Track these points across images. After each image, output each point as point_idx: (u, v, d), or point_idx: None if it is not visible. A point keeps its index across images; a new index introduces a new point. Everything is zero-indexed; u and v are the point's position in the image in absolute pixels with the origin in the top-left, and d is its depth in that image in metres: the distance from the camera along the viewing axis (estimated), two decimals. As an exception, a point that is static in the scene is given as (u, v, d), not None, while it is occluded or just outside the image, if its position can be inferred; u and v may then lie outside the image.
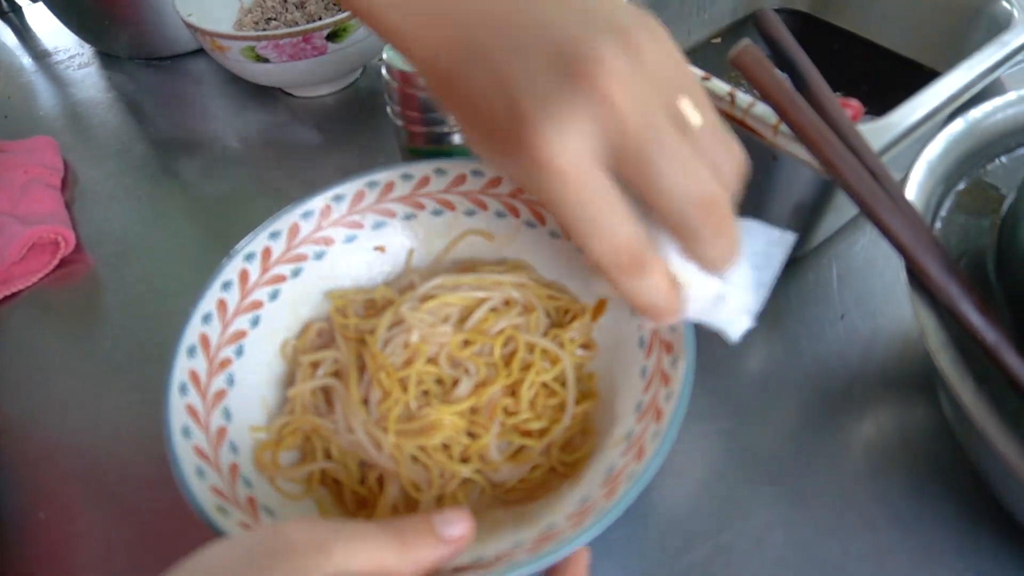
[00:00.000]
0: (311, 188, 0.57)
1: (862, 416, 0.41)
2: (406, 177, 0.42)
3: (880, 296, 0.46)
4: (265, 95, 0.68)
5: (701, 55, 0.41)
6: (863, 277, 0.47)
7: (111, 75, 0.73)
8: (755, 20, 0.36)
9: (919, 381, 0.42)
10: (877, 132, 0.37)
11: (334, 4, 0.67)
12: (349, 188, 0.42)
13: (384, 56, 0.46)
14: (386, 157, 0.60)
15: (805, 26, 0.58)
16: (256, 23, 0.66)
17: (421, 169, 0.42)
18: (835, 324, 0.45)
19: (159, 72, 0.73)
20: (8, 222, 0.54)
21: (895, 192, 0.33)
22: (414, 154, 0.50)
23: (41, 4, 0.80)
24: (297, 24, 0.64)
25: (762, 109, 0.38)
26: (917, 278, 0.33)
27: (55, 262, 0.54)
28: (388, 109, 0.49)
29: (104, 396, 0.46)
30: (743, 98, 0.39)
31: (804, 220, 0.44)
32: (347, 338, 0.39)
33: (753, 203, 0.44)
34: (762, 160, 0.41)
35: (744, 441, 0.40)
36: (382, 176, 0.42)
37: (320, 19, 0.63)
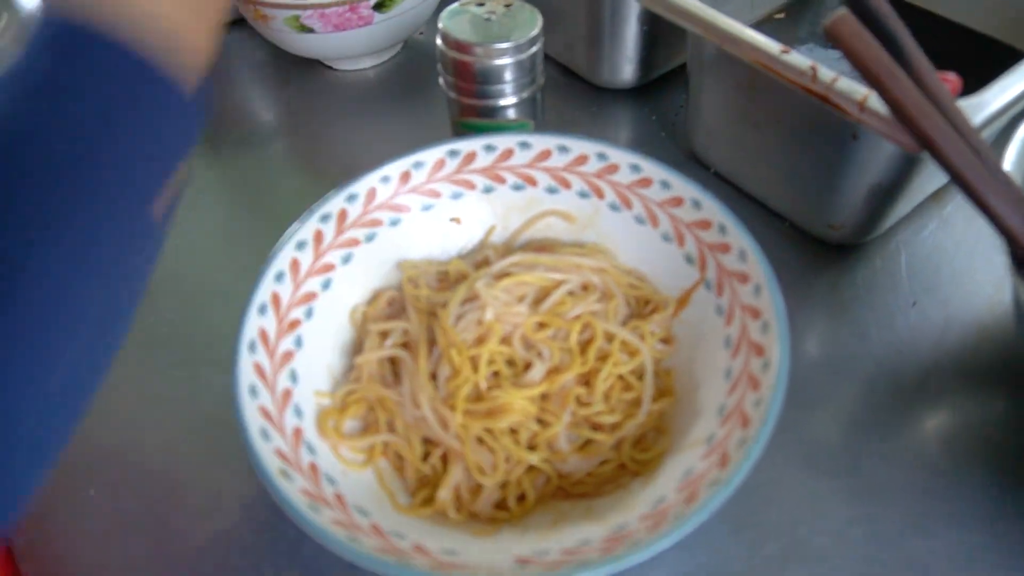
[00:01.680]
0: (352, 164, 0.56)
1: (939, 408, 0.39)
2: (489, 148, 0.41)
3: (951, 283, 0.44)
4: (305, 68, 0.66)
5: (763, 30, 0.39)
6: (933, 264, 0.45)
7: None
8: None
9: (999, 373, 0.40)
10: (974, 109, 0.34)
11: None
12: (429, 155, 0.41)
13: (440, 25, 0.44)
14: (432, 132, 0.57)
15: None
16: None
17: (504, 141, 0.41)
18: (906, 312, 0.43)
19: None
20: None
21: (998, 172, 0.31)
22: (466, 128, 0.48)
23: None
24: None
25: (846, 84, 0.36)
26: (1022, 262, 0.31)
27: None
28: (440, 80, 0.47)
29: (147, 371, 0.45)
30: (826, 72, 0.36)
31: (877, 202, 0.42)
32: (418, 309, 0.38)
33: (823, 184, 0.42)
34: (839, 139, 0.39)
35: (813, 432, 0.38)
36: (464, 145, 0.41)
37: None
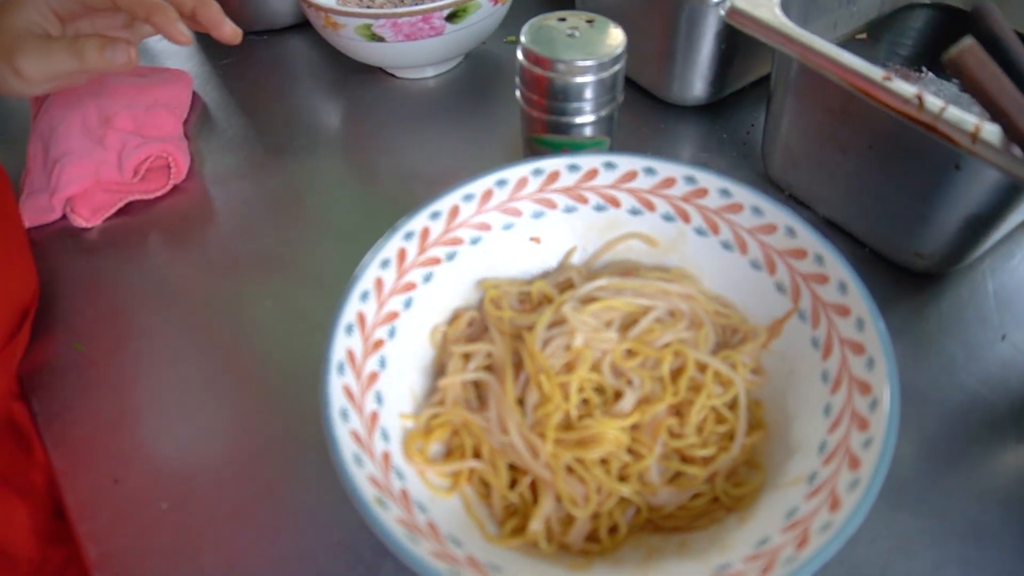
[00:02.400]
0: (412, 174, 0.55)
1: (1033, 447, 0.38)
2: (572, 168, 0.40)
3: (1043, 316, 0.43)
4: (365, 75, 0.65)
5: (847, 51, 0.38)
6: (1022, 295, 0.44)
7: (205, 48, 0.72)
8: (973, 14, 0.33)
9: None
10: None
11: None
12: (513, 173, 0.40)
13: (522, 39, 0.43)
14: (495, 143, 0.57)
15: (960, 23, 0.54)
16: (359, 1, 0.64)
17: (589, 161, 0.40)
18: (995, 345, 0.42)
19: (254, 47, 0.70)
20: (130, 139, 0.55)
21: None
22: (540, 144, 0.48)
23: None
24: (398, 4, 0.61)
25: (956, 114, 0.35)
26: None
27: (168, 186, 0.55)
28: (517, 94, 0.46)
29: (216, 386, 0.45)
30: (933, 101, 0.35)
31: (970, 232, 0.41)
32: (501, 332, 0.37)
33: (915, 212, 0.41)
34: (938, 168, 0.38)
35: (900, 468, 0.37)
36: (548, 164, 0.40)
37: None
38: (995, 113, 0.29)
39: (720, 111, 0.57)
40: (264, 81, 0.67)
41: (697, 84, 0.55)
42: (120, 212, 0.54)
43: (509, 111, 0.60)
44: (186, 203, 0.55)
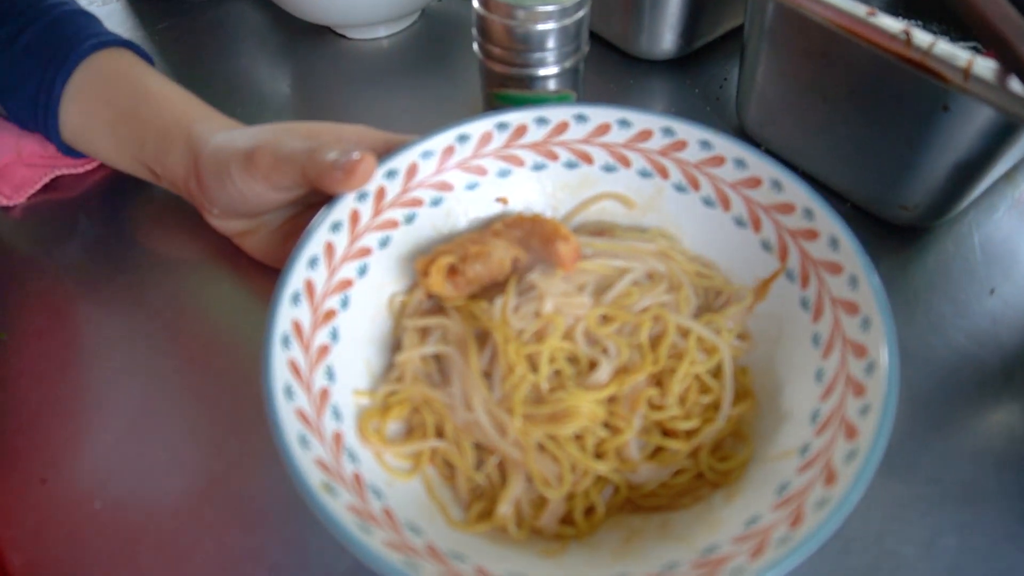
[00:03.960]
0: None
1: (1029, 404, 0.36)
2: (541, 121, 0.37)
3: (1031, 268, 0.41)
4: (314, 36, 0.61)
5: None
6: (1009, 247, 0.42)
7: (139, 12, 0.66)
8: None
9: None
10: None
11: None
12: (475, 128, 0.36)
13: None
14: (455, 107, 0.54)
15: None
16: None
17: (559, 113, 0.37)
18: (983, 299, 0.40)
19: (193, 9, 0.65)
20: None
21: None
22: (501, 100, 0.44)
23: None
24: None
25: (947, 49, 0.32)
26: None
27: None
28: (475, 46, 0.43)
29: (161, 369, 0.41)
30: (922, 37, 0.33)
31: (958, 180, 0.39)
32: (456, 306, 0.34)
33: (900, 161, 0.39)
34: (926, 111, 0.36)
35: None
36: (513, 117, 0.37)
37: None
38: (992, 40, 0.26)
39: (691, 65, 0.54)
40: (204, 46, 0.62)
41: (667, 36, 0.52)
42: (46, 188, 0.49)
43: (469, 73, 0.56)
44: (119, 177, 0.51)
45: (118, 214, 0.48)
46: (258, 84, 0.58)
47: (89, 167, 0.50)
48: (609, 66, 0.55)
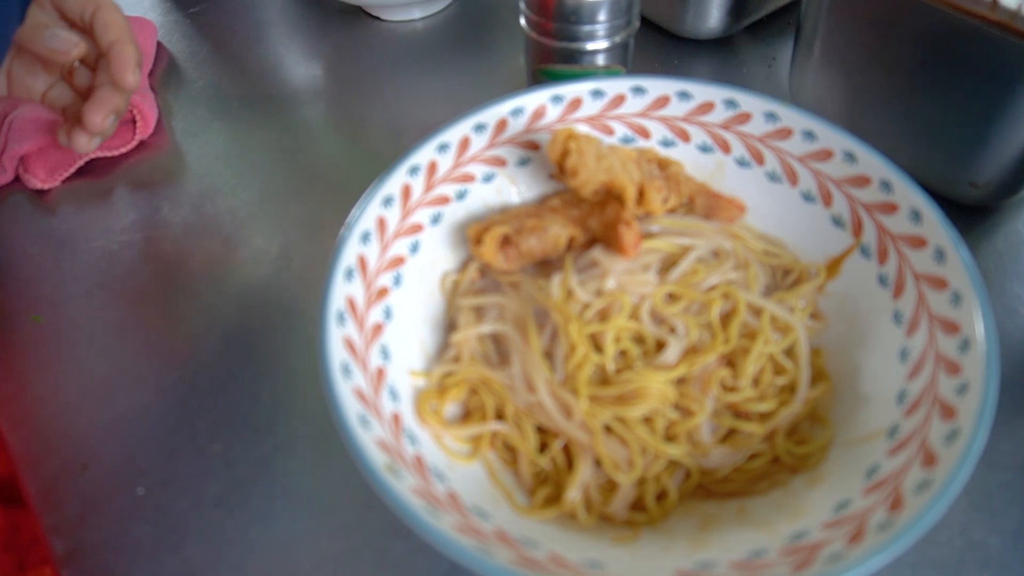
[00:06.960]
0: (401, 125, 0.50)
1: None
2: (596, 94, 0.35)
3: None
4: (348, 18, 0.60)
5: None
6: None
7: None
8: None
9: None
10: None
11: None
12: (529, 101, 0.35)
13: None
14: (492, 90, 0.52)
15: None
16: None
17: (616, 86, 0.35)
18: None
19: None
20: None
21: None
22: (548, 76, 0.43)
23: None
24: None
25: None
26: None
27: (134, 142, 0.50)
28: (522, 20, 0.41)
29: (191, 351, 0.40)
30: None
31: None
32: (513, 283, 0.32)
33: (972, 136, 0.37)
34: (1004, 81, 0.34)
35: None
36: (568, 90, 0.35)
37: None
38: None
39: (738, 45, 0.53)
40: (236, 29, 0.61)
41: (713, 14, 0.50)
42: (80, 172, 0.49)
43: (505, 55, 0.55)
44: (154, 159, 0.50)
45: (154, 196, 0.47)
46: (291, 67, 0.57)
47: (124, 149, 0.49)
48: (653, 46, 0.54)
